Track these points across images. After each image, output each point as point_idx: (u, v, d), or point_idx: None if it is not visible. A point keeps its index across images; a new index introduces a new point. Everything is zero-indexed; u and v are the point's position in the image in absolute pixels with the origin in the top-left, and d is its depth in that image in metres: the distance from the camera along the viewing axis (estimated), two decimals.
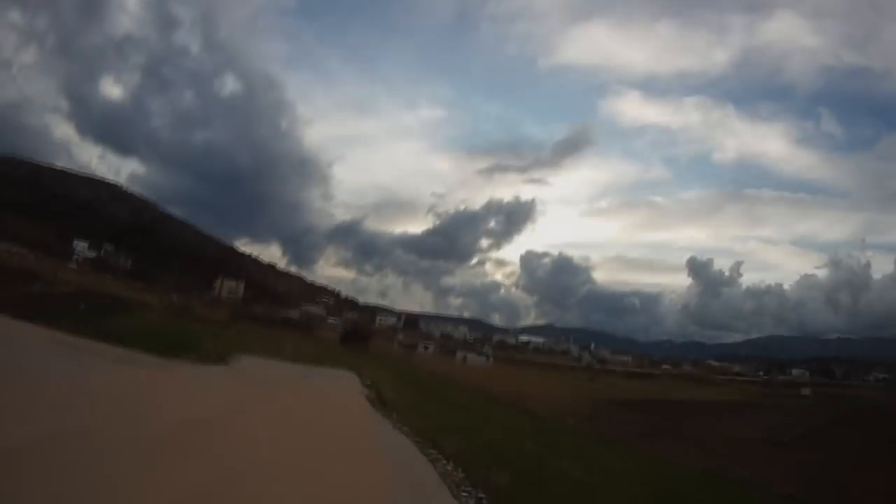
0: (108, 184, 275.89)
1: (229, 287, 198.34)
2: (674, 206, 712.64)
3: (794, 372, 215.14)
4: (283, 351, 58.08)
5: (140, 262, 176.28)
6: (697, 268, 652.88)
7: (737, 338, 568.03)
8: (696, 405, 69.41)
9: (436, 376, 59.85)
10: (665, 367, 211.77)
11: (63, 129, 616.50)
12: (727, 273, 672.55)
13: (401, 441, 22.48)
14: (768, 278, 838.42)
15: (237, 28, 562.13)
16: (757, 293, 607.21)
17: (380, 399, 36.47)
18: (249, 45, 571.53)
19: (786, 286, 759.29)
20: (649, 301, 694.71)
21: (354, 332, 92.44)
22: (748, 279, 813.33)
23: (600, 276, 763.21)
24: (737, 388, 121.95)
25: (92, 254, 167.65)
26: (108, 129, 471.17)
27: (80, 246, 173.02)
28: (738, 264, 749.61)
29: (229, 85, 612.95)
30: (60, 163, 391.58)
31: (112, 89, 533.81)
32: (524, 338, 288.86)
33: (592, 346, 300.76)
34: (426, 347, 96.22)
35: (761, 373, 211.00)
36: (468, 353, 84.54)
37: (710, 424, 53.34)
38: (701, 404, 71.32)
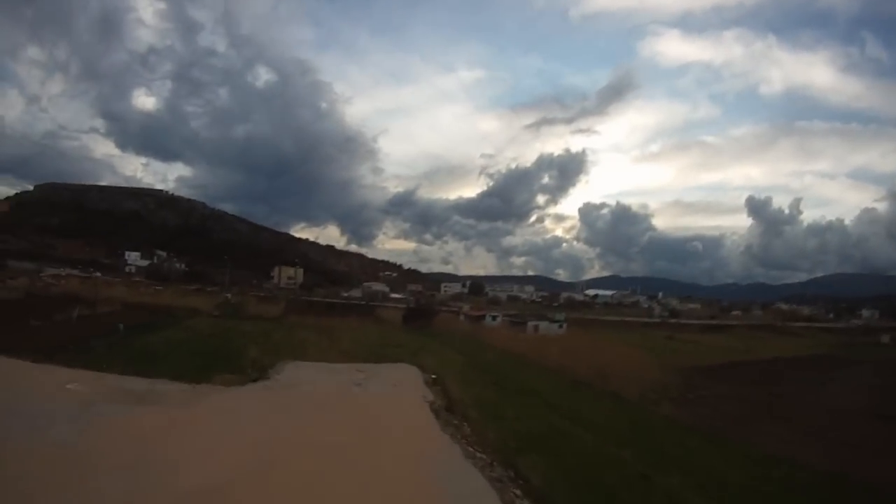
0: (153, 192, 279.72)
1: (287, 275, 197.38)
2: (726, 144, 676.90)
3: (864, 313, 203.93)
4: (338, 343, 52.99)
5: (195, 264, 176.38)
6: (756, 207, 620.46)
7: (801, 277, 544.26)
8: (782, 364, 62.59)
9: (508, 355, 52.76)
10: (735, 313, 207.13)
11: (104, 148, 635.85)
12: (787, 211, 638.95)
13: (472, 482, 17.55)
14: (828, 214, 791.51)
15: (260, 20, 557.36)
16: (818, 230, 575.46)
17: (446, 401, 30.27)
18: (276, 34, 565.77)
19: (847, 221, 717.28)
20: (711, 244, 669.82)
21: (417, 311, 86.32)
22: (808, 216, 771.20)
23: (660, 223, 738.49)
24: (815, 336, 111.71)
25: (144, 262, 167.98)
26: (148, 139, 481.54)
27: (133, 257, 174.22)
28: (798, 201, 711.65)
29: (262, 76, 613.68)
30: (106, 180, 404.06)
31: (145, 101, 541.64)
32: (591, 292, 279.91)
33: (660, 295, 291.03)
34: (494, 317, 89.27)
35: (832, 315, 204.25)
36: (539, 320, 76.51)
37: (807, 393, 45.19)
38: (787, 363, 64.26)
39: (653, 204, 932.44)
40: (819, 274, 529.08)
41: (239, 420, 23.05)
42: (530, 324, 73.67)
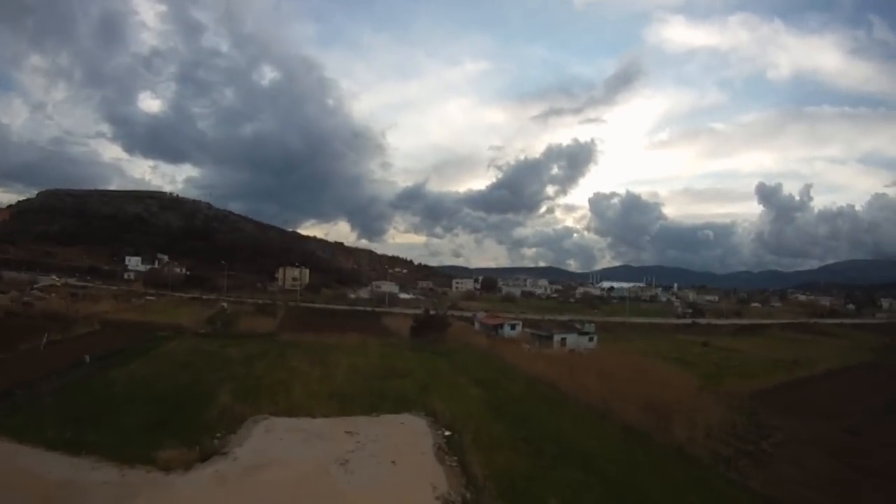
0: (157, 195, 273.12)
1: (292, 276, 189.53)
2: (735, 130, 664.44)
3: (884, 304, 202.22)
4: (333, 374, 44.87)
5: (196, 267, 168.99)
6: (767, 193, 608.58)
7: (813, 264, 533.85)
8: (840, 382, 55.69)
9: (537, 386, 43.92)
10: (755, 305, 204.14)
11: (111, 152, 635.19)
12: (797, 197, 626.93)
13: None
14: (839, 200, 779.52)
15: (263, 19, 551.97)
16: (829, 216, 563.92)
17: (466, 481, 22.42)
18: (279, 33, 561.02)
19: (857, 207, 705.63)
20: (722, 232, 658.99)
21: (427, 321, 77.50)
22: (819, 202, 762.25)
23: (671, 211, 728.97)
24: (850, 336, 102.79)
25: (145, 268, 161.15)
26: (155, 141, 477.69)
27: (133, 262, 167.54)
28: (808, 187, 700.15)
29: (267, 74, 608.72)
30: (114, 184, 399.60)
31: (151, 103, 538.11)
32: (606, 284, 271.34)
33: (675, 286, 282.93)
34: (513, 326, 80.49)
35: (851, 305, 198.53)
36: (565, 332, 67.73)
37: (886, 431, 37.23)
38: (843, 379, 57.80)
39: (663, 192, 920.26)
40: (831, 261, 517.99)
41: None
42: (557, 337, 64.92)
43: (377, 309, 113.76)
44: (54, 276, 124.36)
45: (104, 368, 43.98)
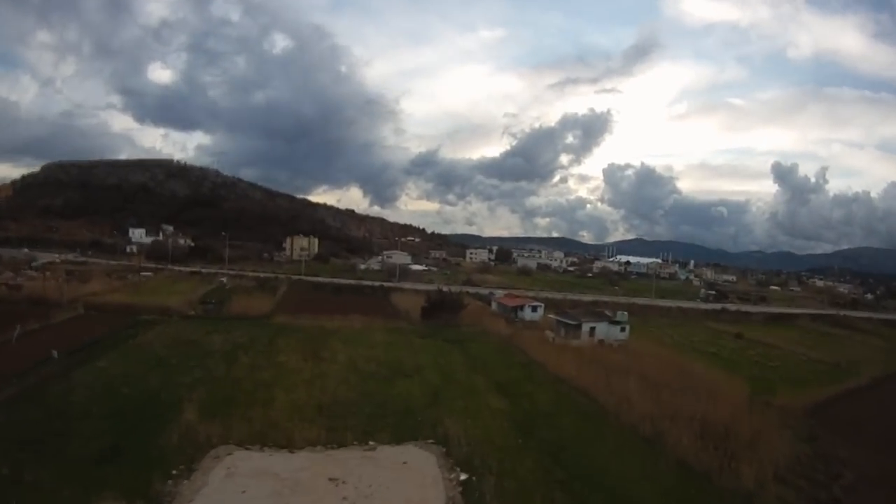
0: (163, 163, 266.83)
1: (301, 245, 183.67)
2: (753, 106, 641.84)
3: None
4: (326, 375, 38.75)
5: (202, 238, 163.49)
6: (783, 173, 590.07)
7: (827, 248, 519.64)
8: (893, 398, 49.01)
9: (569, 398, 36.86)
10: (774, 288, 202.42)
11: (121, 122, 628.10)
12: (813, 179, 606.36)
13: None
14: (855, 185, 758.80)
15: None
16: (844, 201, 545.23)
17: None
18: (290, 1, 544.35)
19: (873, 194, 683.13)
20: (736, 210, 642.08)
21: (440, 303, 70.58)
22: (835, 185, 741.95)
23: (685, 186, 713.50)
24: (881, 333, 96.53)
25: (149, 240, 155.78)
26: (166, 110, 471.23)
27: (137, 234, 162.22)
28: (824, 169, 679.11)
29: (279, 42, 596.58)
30: (124, 154, 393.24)
31: (161, 74, 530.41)
32: (621, 258, 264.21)
33: (691, 264, 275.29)
34: (534, 309, 73.69)
35: (869, 295, 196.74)
36: (594, 320, 60.47)
37: None
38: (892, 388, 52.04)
39: (678, 166, 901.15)
40: (845, 246, 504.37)
41: None
42: (585, 327, 57.78)
43: (386, 284, 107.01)
44: (55, 254, 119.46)
45: (69, 367, 38.13)
